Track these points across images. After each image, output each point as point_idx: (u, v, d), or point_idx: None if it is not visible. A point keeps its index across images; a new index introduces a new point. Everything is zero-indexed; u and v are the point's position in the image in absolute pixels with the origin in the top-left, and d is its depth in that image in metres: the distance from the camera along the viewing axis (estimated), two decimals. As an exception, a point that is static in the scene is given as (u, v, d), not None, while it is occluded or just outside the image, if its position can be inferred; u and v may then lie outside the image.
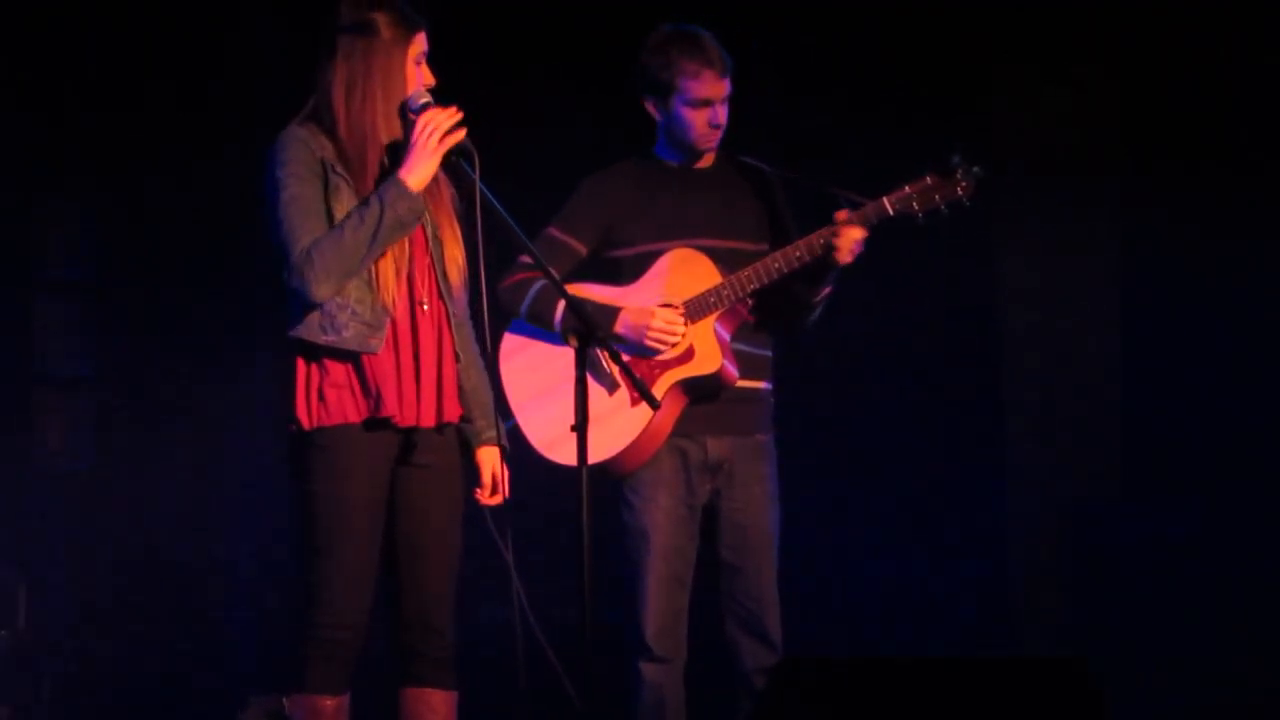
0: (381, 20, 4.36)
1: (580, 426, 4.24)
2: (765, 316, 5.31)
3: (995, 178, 5.27)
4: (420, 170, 4.28)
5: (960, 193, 5.18)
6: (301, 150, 4.32)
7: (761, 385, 5.31)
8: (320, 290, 4.26)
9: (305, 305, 4.30)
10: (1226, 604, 6.64)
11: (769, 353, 5.34)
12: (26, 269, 6.64)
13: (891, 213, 5.17)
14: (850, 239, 5.14)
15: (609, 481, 5.16)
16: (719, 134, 5.25)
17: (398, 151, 4.35)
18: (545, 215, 5.27)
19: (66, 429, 6.66)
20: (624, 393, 5.15)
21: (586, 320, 4.31)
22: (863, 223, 5.14)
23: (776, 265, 5.15)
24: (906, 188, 5.19)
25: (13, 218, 6.57)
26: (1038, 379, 7.17)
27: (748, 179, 5.34)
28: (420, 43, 4.39)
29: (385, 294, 4.33)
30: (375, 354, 4.31)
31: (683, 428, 5.20)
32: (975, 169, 5.18)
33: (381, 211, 4.25)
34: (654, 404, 4.41)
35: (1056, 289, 7.17)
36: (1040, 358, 7.17)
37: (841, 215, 5.14)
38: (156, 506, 6.54)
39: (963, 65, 7.05)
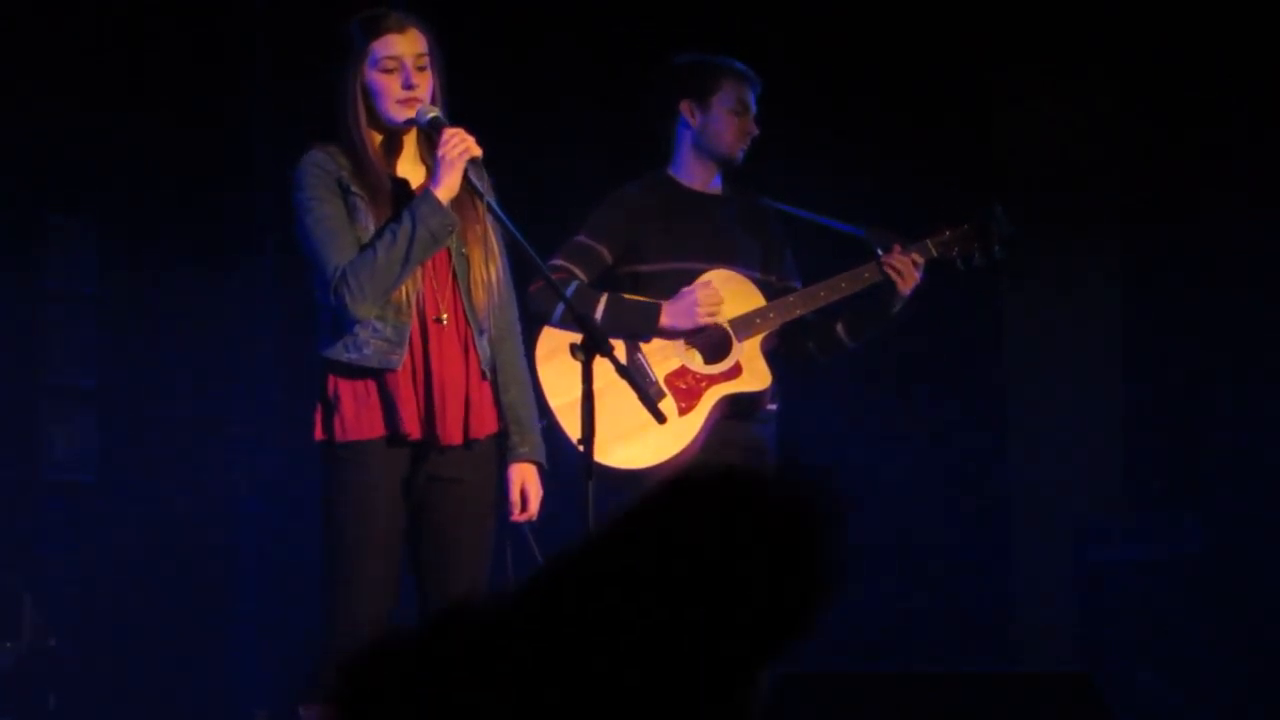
0: (355, 33, 4.39)
1: (586, 439, 4.28)
2: (787, 349, 5.32)
3: (996, 188, 5.29)
4: (446, 182, 4.29)
5: (995, 245, 5.21)
6: (318, 173, 4.37)
7: None
8: (359, 309, 4.29)
9: (335, 324, 4.34)
10: (1230, 620, 6.64)
11: None
12: (30, 279, 6.63)
13: (935, 254, 5.20)
14: (913, 266, 5.14)
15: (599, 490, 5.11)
16: (746, 146, 5.25)
17: (395, 163, 4.41)
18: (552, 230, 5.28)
19: (70, 439, 6.65)
20: (671, 402, 5.12)
21: (592, 331, 4.33)
22: (921, 252, 5.16)
23: (823, 294, 5.18)
24: (947, 232, 5.21)
25: (17, 228, 6.56)
26: (1040, 396, 7.17)
27: (756, 210, 5.35)
28: (385, 46, 4.37)
29: (399, 299, 4.34)
30: (396, 370, 4.33)
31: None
32: (1011, 229, 5.21)
33: (414, 228, 4.26)
34: (659, 418, 4.41)
35: (1058, 305, 7.17)
36: (1042, 374, 7.17)
37: (898, 247, 5.16)
38: (161, 517, 6.53)
39: (964, 76, 7.06)
